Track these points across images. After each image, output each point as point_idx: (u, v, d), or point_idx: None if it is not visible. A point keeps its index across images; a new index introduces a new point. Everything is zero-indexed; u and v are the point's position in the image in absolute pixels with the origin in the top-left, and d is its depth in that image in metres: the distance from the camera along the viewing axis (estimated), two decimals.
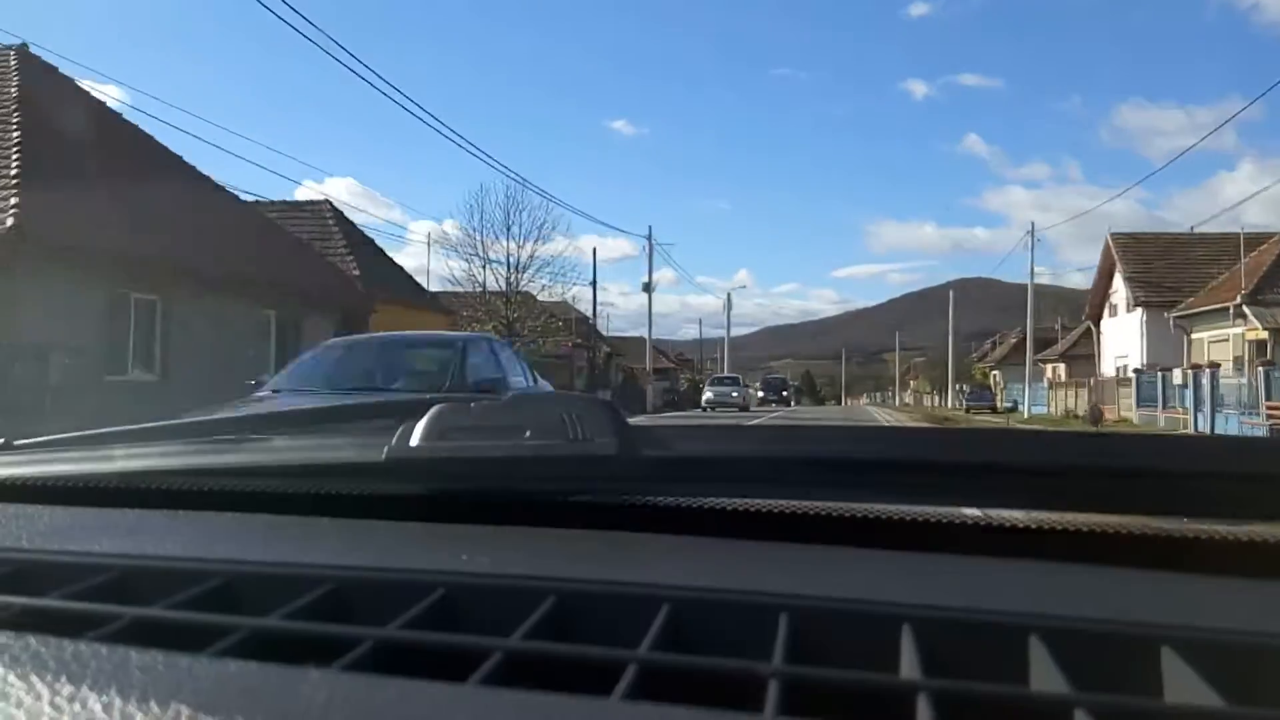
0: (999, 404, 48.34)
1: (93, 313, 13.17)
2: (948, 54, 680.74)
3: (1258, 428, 19.15)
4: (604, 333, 54.83)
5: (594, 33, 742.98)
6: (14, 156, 12.72)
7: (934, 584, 0.57)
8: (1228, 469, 0.72)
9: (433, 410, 0.81)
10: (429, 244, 29.59)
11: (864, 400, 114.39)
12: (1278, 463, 0.75)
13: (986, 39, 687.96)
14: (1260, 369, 20.32)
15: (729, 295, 62.43)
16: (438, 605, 0.55)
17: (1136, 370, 29.65)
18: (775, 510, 0.76)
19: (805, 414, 41.81)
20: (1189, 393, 23.67)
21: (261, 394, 7.24)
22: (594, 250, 39.15)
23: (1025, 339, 59.18)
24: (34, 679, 0.40)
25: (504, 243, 34.45)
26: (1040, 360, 48.96)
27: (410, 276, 27.78)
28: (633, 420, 0.83)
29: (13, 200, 11.85)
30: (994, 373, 59.38)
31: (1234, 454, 0.79)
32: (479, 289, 34.15)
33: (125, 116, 16.61)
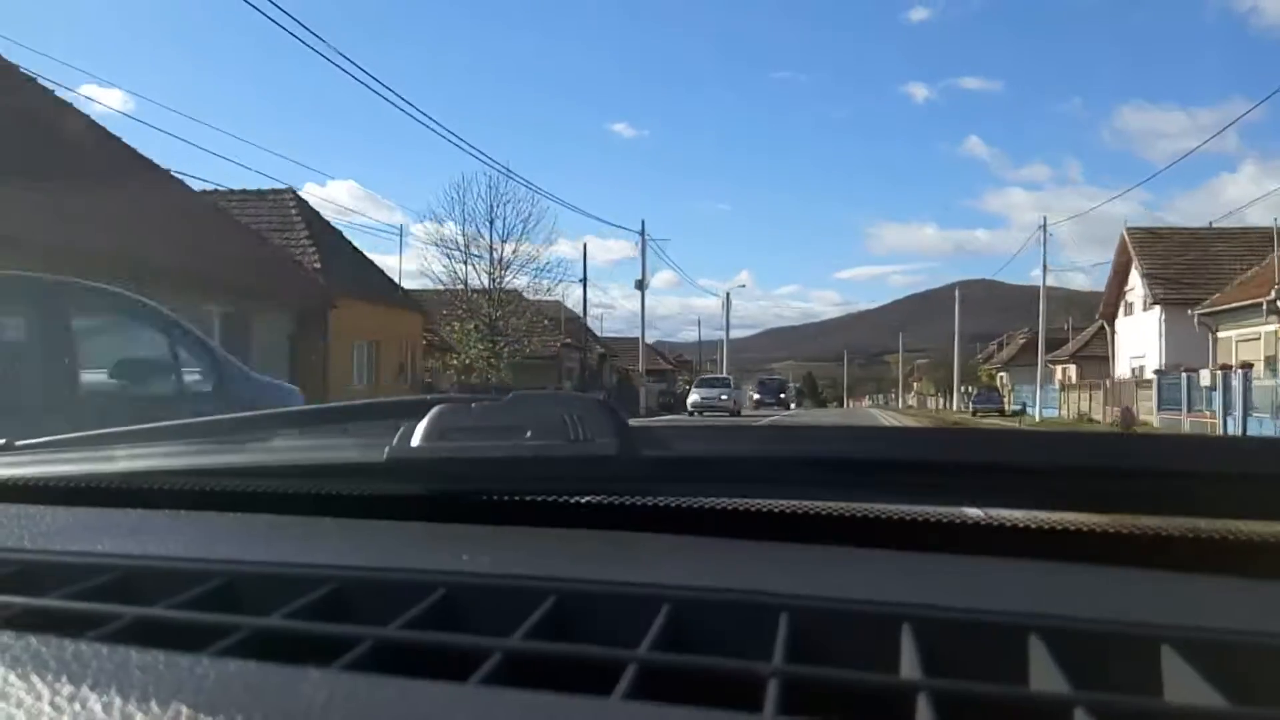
0: (1007, 406, 46.48)
1: None
2: (948, 57, 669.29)
3: None
4: (598, 333, 53.13)
5: (595, 35, 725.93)
6: None
7: (934, 584, 0.57)
8: (1228, 469, 0.71)
9: (434, 410, 0.81)
10: (400, 238, 27.88)
11: (866, 403, 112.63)
12: (1278, 463, 0.74)
13: (987, 42, 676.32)
14: None
15: (727, 295, 60.71)
16: (438, 605, 0.55)
17: (1157, 371, 27.94)
18: (775, 510, 0.76)
19: (806, 418, 39.68)
20: (1217, 395, 21.95)
21: None
22: (584, 245, 37.45)
23: (1033, 339, 57.46)
24: (34, 679, 0.40)
25: (487, 237, 33.10)
26: (1050, 361, 47.16)
27: (382, 272, 26.17)
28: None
29: None
30: (1000, 374, 57.62)
31: (1234, 454, 0.79)
32: (461, 286, 32.47)
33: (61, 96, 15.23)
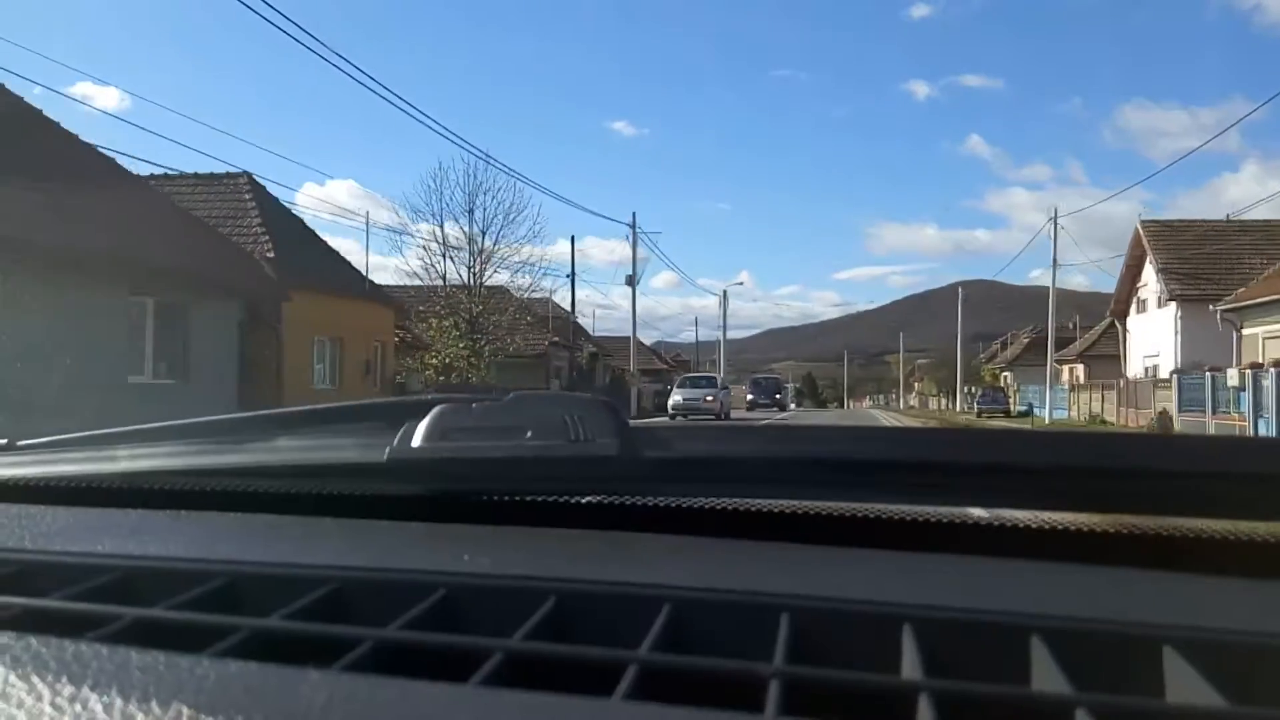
0: (1013, 407, 44.76)
1: None
2: (949, 55, 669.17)
3: None
4: (591, 332, 51.48)
5: (594, 34, 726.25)
6: None
7: (935, 584, 0.58)
8: (1228, 469, 0.71)
9: (434, 410, 0.81)
10: (367, 226, 26.02)
11: (867, 403, 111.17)
12: (1278, 463, 0.74)
13: (988, 40, 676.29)
14: None
15: (724, 292, 58.96)
16: (438, 606, 0.55)
17: (1177, 371, 26.27)
18: (775, 510, 0.76)
19: (806, 419, 37.74)
20: (1246, 396, 20.30)
21: None
22: (571, 238, 35.15)
23: (1038, 338, 55.78)
24: (35, 679, 0.40)
25: (466, 229, 30.57)
26: (1057, 360, 45.46)
27: (349, 264, 24.25)
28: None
29: None
30: (1005, 374, 55.91)
31: (1234, 454, 0.78)
32: (439, 280, 30.28)
33: None
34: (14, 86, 14.03)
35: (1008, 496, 0.73)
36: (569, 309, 36.41)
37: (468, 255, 30.00)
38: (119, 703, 0.38)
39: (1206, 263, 30.92)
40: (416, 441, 0.78)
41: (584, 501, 0.80)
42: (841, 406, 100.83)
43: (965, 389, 54.78)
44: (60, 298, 11.78)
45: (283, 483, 0.85)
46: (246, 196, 20.96)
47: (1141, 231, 33.19)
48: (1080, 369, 41.63)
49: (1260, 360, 21.87)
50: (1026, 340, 57.14)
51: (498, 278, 30.76)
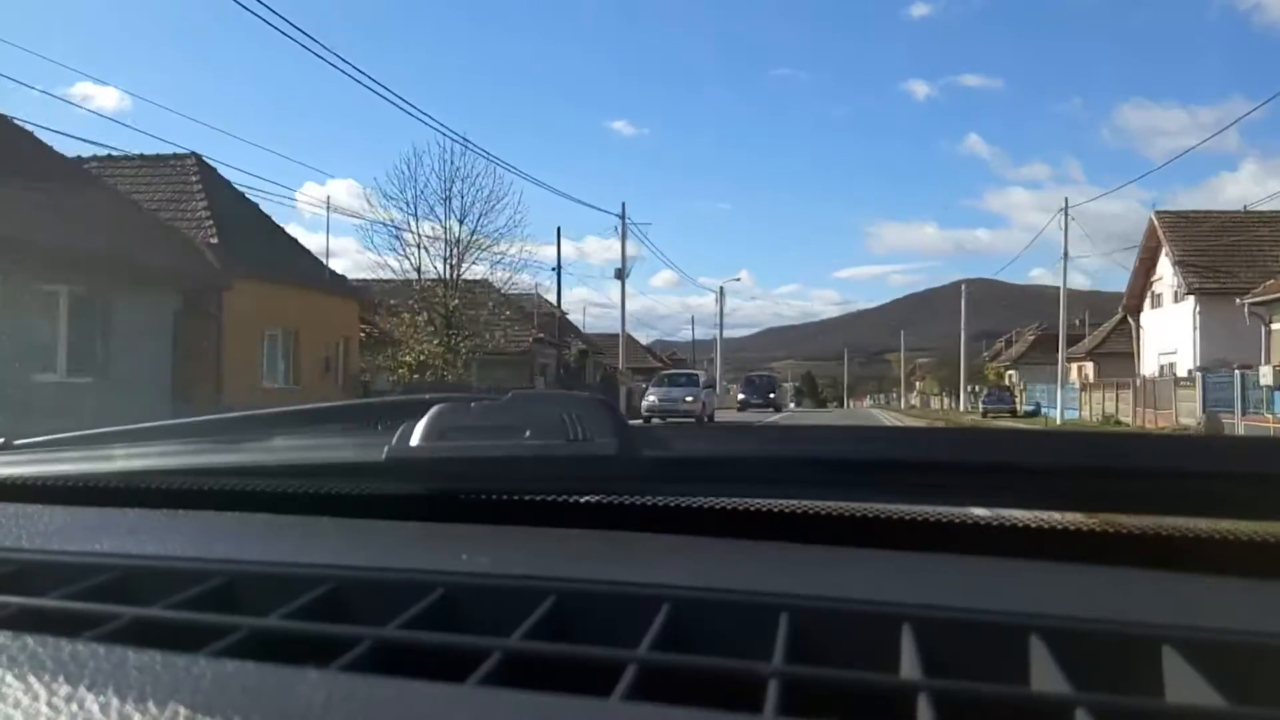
0: (1020, 407, 42.98)
1: None
2: (949, 54, 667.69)
3: None
4: (583, 329, 49.75)
5: (594, 34, 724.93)
6: None
7: (934, 584, 0.58)
8: (1228, 469, 0.71)
9: (433, 410, 0.81)
10: (328, 210, 23.92)
11: (867, 403, 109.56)
12: (1278, 463, 0.74)
13: (988, 39, 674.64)
14: None
15: (720, 289, 57.27)
16: (437, 605, 0.55)
17: (1202, 369, 24.58)
18: (775, 510, 0.76)
19: (804, 421, 35.61)
20: None
21: None
22: (558, 230, 32.64)
23: (1044, 336, 54.05)
24: (31, 679, 0.40)
25: (442, 217, 28.17)
26: (1065, 359, 43.82)
27: (309, 253, 22.38)
28: None
29: None
30: (1009, 373, 54.19)
31: (1234, 454, 0.79)
32: (414, 273, 28.27)
33: None
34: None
35: (1008, 496, 0.73)
36: (566, 304, 34.49)
37: (444, 246, 28.14)
38: (116, 702, 0.37)
39: (1226, 255, 29.26)
40: (415, 441, 0.78)
41: (583, 501, 0.80)
42: (842, 406, 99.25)
43: (969, 388, 53.00)
44: None
45: (281, 482, 0.85)
46: (193, 179, 19.33)
47: (1156, 223, 31.51)
48: (1090, 367, 39.94)
49: None
50: (1032, 338, 55.41)
51: (476, 270, 28.75)
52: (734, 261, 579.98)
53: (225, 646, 0.48)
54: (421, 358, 26.86)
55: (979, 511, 0.75)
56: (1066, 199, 33.79)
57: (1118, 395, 31.36)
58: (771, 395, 40.21)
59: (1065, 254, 33.08)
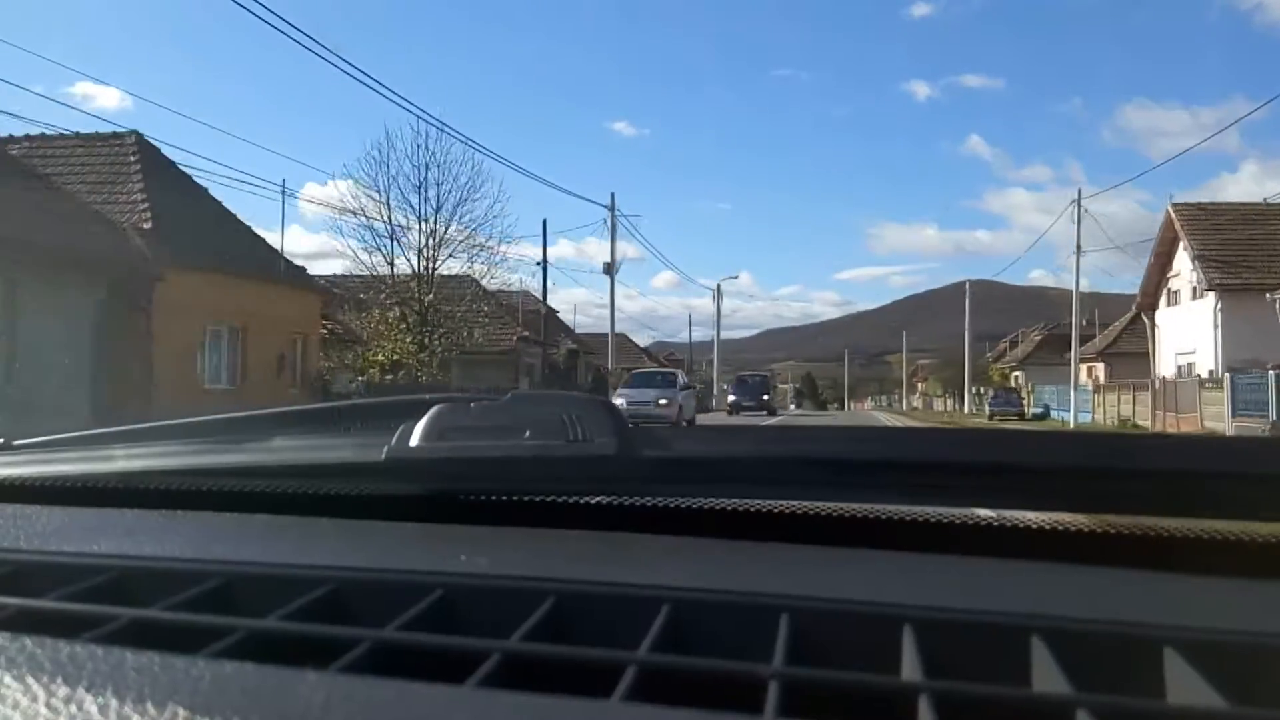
0: (1027, 409, 41.17)
1: None
2: (950, 55, 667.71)
3: None
4: (573, 328, 48.00)
5: (595, 34, 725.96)
6: None
7: (935, 584, 0.58)
8: (1228, 469, 0.71)
9: (432, 410, 0.81)
10: (283, 193, 20.74)
11: (869, 404, 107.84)
12: (1278, 463, 0.75)
13: (989, 40, 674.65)
14: None
15: (718, 287, 55.62)
16: (436, 606, 0.55)
17: (1231, 369, 22.88)
18: (775, 510, 0.76)
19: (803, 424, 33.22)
20: None
21: None
22: (544, 222, 30.63)
23: (1051, 336, 52.35)
24: (30, 680, 0.40)
25: (416, 207, 26.10)
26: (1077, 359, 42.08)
27: (264, 242, 20.62)
28: None
29: None
30: (1015, 374, 52.46)
31: (1234, 454, 0.79)
32: (386, 266, 26.31)
33: None
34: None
35: (1008, 497, 0.73)
36: (556, 304, 32.51)
37: (417, 236, 26.33)
38: (114, 704, 0.37)
39: (1247, 249, 27.58)
40: (414, 441, 0.78)
41: (583, 501, 0.80)
42: (842, 408, 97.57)
43: (973, 389, 51.25)
44: None
45: (280, 482, 0.85)
46: (131, 159, 17.68)
47: (1173, 215, 29.76)
48: (1100, 368, 38.23)
49: None
50: (1039, 338, 53.62)
51: (454, 265, 26.87)
52: (734, 262, 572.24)
53: (224, 647, 0.48)
54: (395, 356, 25.07)
55: (979, 512, 0.75)
56: (1080, 190, 32.14)
57: (1134, 397, 29.63)
58: (765, 397, 36.76)
59: (1079, 247, 31.37)
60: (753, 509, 0.76)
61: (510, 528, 0.74)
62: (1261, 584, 0.59)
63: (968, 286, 52.98)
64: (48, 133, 17.99)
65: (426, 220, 26.17)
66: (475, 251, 26.72)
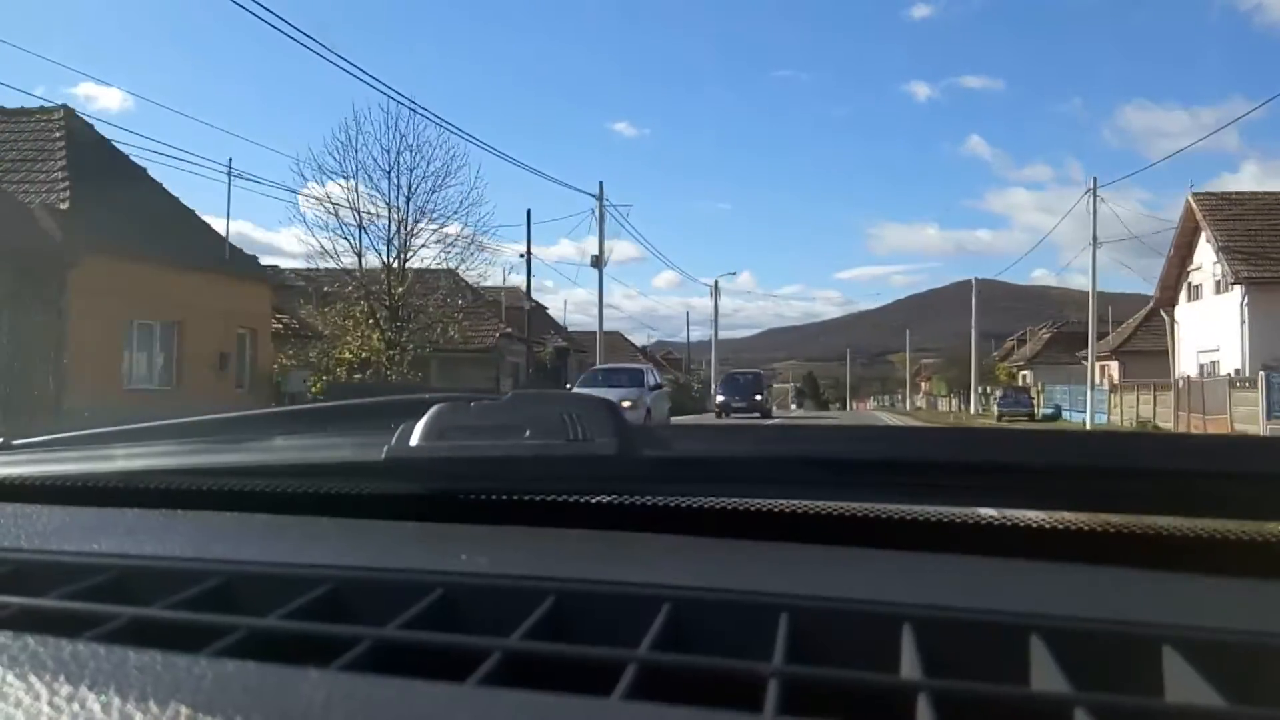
0: (1037, 409, 39.32)
1: None
2: (950, 55, 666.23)
3: None
4: (564, 325, 46.29)
5: (596, 35, 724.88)
6: None
7: (934, 584, 0.58)
8: (1228, 469, 0.71)
9: (432, 410, 0.81)
10: (229, 174, 18.31)
11: (871, 404, 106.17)
12: (1278, 462, 0.74)
13: (989, 40, 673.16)
14: None
15: (715, 283, 53.87)
16: (437, 605, 0.55)
17: (1267, 367, 21.13)
18: (775, 510, 0.76)
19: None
20: None
21: None
22: (528, 212, 28.20)
23: (1060, 334, 50.58)
24: (32, 679, 0.40)
25: (385, 193, 23.87)
26: (1084, 358, 40.22)
27: (212, 232, 18.77)
28: None
29: None
30: (1023, 373, 50.69)
31: (1234, 454, 0.78)
32: (353, 256, 24.04)
33: None
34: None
35: (1008, 496, 0.73)
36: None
37: (387, 225, 24.18)
38: (117, 702, 0.37)
39: (1275, 239, 25.79)
40: (414, 441, 0.78)
41: (583, 501, 0.80)
42: (844, 408, 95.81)
43: (980, 389, 49.48)
44: None
45: (280, 482, 0.85)
46: (56, 135, 15.97)
47: (1194, 205, 28.03)
48: (1114, 366, 36.46)
49: None
50: (1048, 336, 51.84)
51: (427, 255, 24.83)
52: (736, 263, 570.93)
53: (225, 646, 0.48)
54: (364, 354, 23.26)
55: (979, 511, 0.75)
56: (1095, 178, 30.18)
57: (1155, 397, 27.89)
58: (758, 397, 31.59)
59: (1094, 238, 29.54)
60: (753, 508, 0.76)
61: (510, 527, 0.74)
62: (1261, 583, 0.59)
63: (974, 284, 51.25)
64: None
65: (397, 208, 24.26)
66: (450, 242, 24.74)
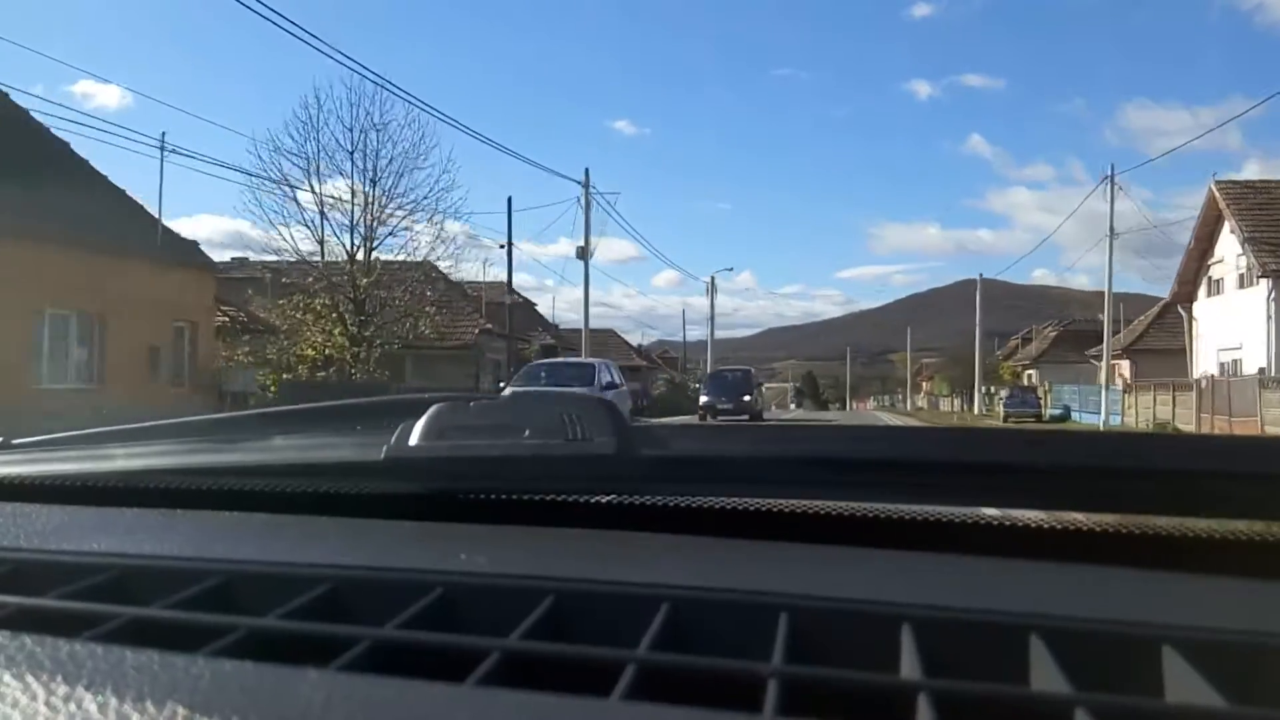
0: (1045, 410, 37.56)
1: None
2: (951, 54, 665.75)
3: None
4: (552, 321, 44.63)
5: (596, 34, 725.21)
6: None
7: (934, 584, 0.58)
8: (1227, 469, 0.72)
9: (432, 409, 0.81)
10: (161, 149, 16.85)
11: (871, 404, 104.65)
12: (1278, 463, 0.75)
13: (990, 39, 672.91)
14: None
15: (711, 279, 52.23)
16: (436, 605, 0.55)
17: None
18: (775, 510, 0.76)
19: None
20: None
21: None
22: (509, 200, 26.15)
23: (1067, 332, 48.87)
24: (30, 679, 0.40)
25: (350, 175, 22.13)
26: (1094, 358, 38.52)
27: (145, 214, 17.11)
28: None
29: None
30: (1028, 372, 49.00)
31: (1234, 454, 0.79)
32: (314, 244, 22.21)
33: None
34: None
35: (1008, 496, 0.73)
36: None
37: (351, 211, 22.32)
38: (114, 702, 0.37)
39: None
40: (414, 440, 0.78)
41: (582, 500, 0.80)
42: (844, 408, 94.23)
43: (984, 389, 47.78)
44: None
45: (279, 481, 0.84)
46: None
47: (1217, 193, 26.31)
48: (1125, 365, 34.79)
49: None
50: (1054, 334, 50.14)
51: (395, 244, 23.00)
52: (736, 262, 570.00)
53: (224, 646, 0.48)
54: (327, 351, 21.53)
55: (979, 511, 0.75)
56: (1113, 165, 28.60)
57: (1174, 398, 26.21)
58: (747, 398, 26.90)
59: (1111, 229, 27.90)
60: (752, 508, 0.76)
61: (510, 526, 0.74)
62: (1261, 583, 0.58)
63: (979, 280, 49.65)
64: None
65: (364, 193, 22.43)
66: (419, 231, 23.19)
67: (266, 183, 21.48)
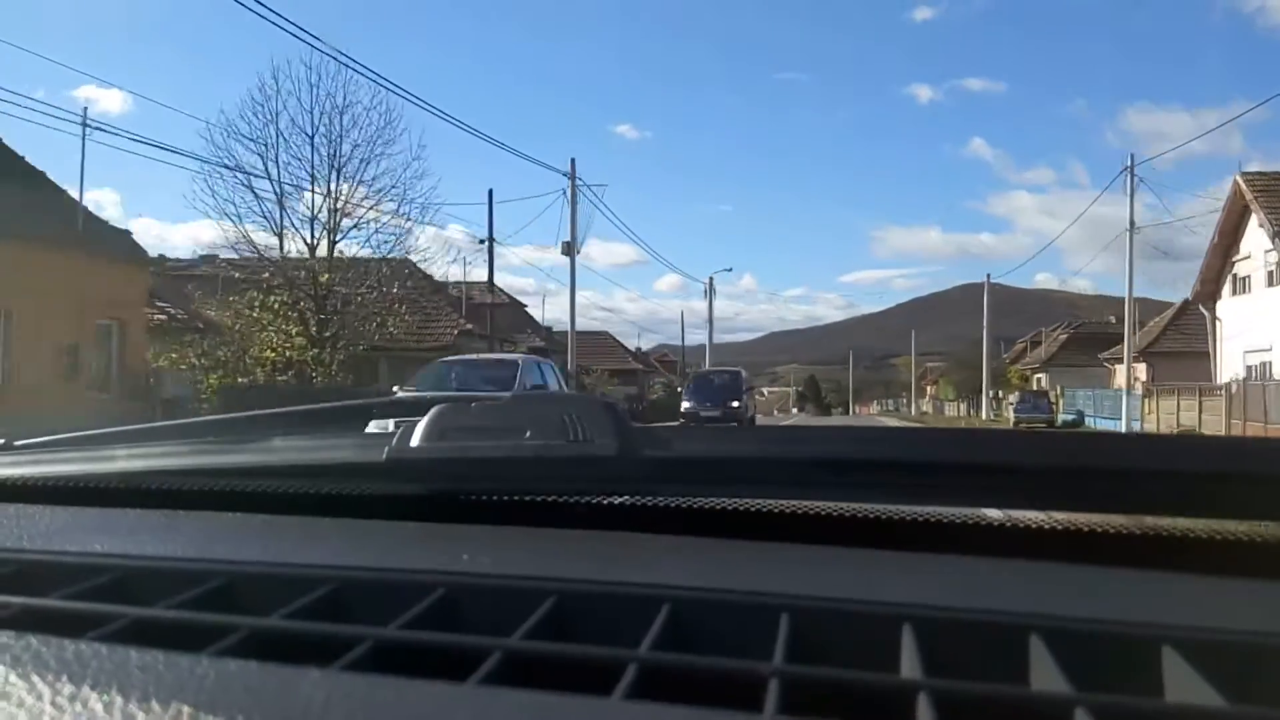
0: (1058, 415, 35.81)
1: None
2: (952, 58, 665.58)
3: None
4: (542, 322, 42.99)
5: (597, 37, 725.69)
6: None
7: (934, 584, 0.58)
8: (1228, 469, 0.72)
9: (433, 410, 0.81)
10: (84, 126, 15.08)
11: (874, 409, 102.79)
12: (1277, 463, 0.75)
13: (991, 43, 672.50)
14: None
15: (710, 280, 50.67)
16: (438, 605, 0.55)
17: None
18: (775, 510, 0.77)
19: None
20: None
21: None
22: (489, 192, 24.93)
23: (1077, 335, 47.13)
24: (35, 679, 0.40)
25: (311, 162, 20.20)
26: (1106, 361, 36.81)
27: (68, 198, 15.43)
28: None
29: None
30: (1037, 376, 47.30)
31: (1234, 454, 0.80)
32: (270, 237, 20.26)
33: None
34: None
35: (1008, 496, 0.73)
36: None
37: (312, 200, 20.42)
38: (119, 702, 0.38)
39: None
40: (415, 441, 0.78)
41: (584, 501, 0.80)
42: (847, 413, 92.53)
43: (992, 393, 46.08)
44: None
45: (281, 482, 0.85)
46: None
47: (1243, 186, 24.68)
48: (1141, 369, 33.10)
49: None
50: (1064, 337, 48.47)
51: (360, 235, 20.97)
52: (737, 265, 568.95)
53: (227, 646, 0.48)
54: (287, 353, 19.89)
55: (979, 511, 0.75)
56: (1132, 155, 27.08)
57: (1200, 403, 24.51)
58: (735, 404, 23.30)
59: (1131, 223, 26.19)
60: (753, 508, 0.76)
61: (512, 527, 0.75)
62: (1260, 584, 0.59)
63: (987, 282, 47.95)
64: None
65: (322, 178, 20.41)
66: (384, 224, 21.13)
67: (219, 169, 19.75)
